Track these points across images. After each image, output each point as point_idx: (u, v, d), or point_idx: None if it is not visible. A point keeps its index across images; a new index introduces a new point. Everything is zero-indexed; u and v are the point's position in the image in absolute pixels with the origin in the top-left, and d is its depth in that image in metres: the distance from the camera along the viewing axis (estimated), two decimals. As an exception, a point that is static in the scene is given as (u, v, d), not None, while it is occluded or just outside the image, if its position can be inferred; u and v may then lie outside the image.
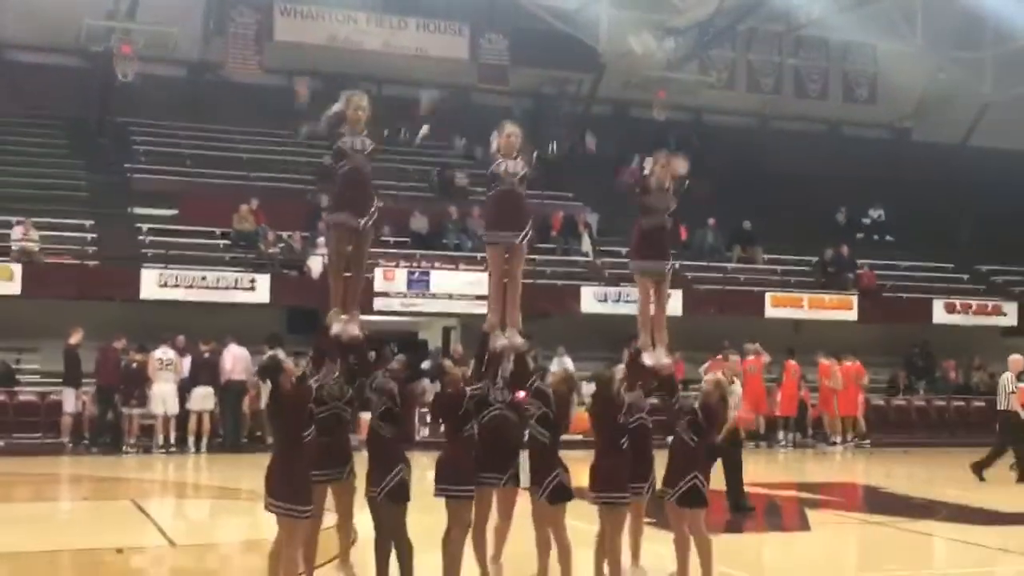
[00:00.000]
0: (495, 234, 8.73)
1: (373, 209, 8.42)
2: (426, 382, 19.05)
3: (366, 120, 8.45)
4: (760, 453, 21.86)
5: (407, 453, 8.05)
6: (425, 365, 22.45)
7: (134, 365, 19.44)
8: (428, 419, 19.59)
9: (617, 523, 8.34)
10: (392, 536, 7.92)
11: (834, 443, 22.83)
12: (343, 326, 8.22)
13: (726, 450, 12.84)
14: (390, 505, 7.86)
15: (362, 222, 8.35)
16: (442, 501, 8.09)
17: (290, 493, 7.38)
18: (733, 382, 13.19)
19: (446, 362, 8.72)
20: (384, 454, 7.93)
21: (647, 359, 8.77)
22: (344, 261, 8.56)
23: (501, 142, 8.83)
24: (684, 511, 8.51)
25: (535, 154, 8.76)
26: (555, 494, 8.10)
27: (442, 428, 8.47)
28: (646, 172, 9.36)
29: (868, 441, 23.13)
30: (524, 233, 8.63)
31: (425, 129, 14.06)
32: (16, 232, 21.36)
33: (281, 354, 8.12)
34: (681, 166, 9.16)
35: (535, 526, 8.27)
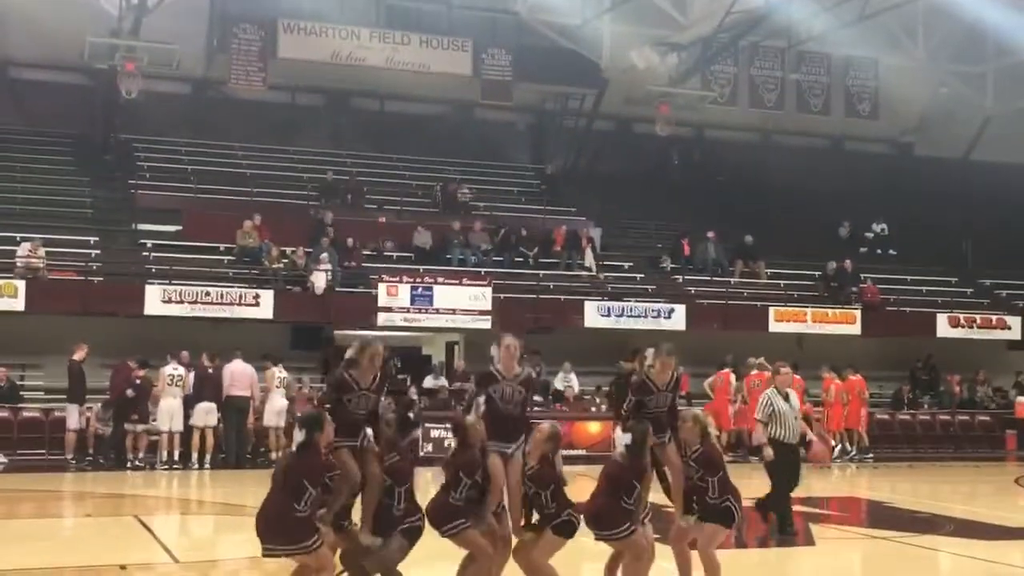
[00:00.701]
0: (490, 443, 8.37)
1: (366, 437, 8.17)
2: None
3: (379, 369, 8.27)
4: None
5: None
6: (429, 382, 22.47)
7: (138, 381, 19.45)
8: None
9: (631, 549, 8.32)
10: (386, 568, 7.98)
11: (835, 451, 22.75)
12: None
13: (780, 456, 12.44)
14: (402, 540, 7.96)
15: (359, 442, 8.13)
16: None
17: (294, 535, 7.36)
18: (788, 396, 12.83)
19: (468, 419, 8.54)
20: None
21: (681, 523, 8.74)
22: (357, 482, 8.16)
23: (501, 354, 8.58)
24: (707, 526, 8.57)
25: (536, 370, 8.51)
26: (562, 528, 8.13)
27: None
28: (647, 364, 9.22)
29: (871, 455, 23.08)
30: (518, 445, 8.39)
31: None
32: (22, 249, 21.41)
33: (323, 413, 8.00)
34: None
35: (526, 558, 8.24)
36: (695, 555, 8.67)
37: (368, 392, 8.19)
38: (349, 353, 8.42)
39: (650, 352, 9.44)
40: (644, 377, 9.02)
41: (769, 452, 12.53)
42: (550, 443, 8.34)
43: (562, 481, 8.26)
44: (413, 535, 8.06)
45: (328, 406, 8.12)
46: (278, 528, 7.39)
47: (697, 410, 9.44)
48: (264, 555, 7.59)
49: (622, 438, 8.43)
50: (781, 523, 12.54)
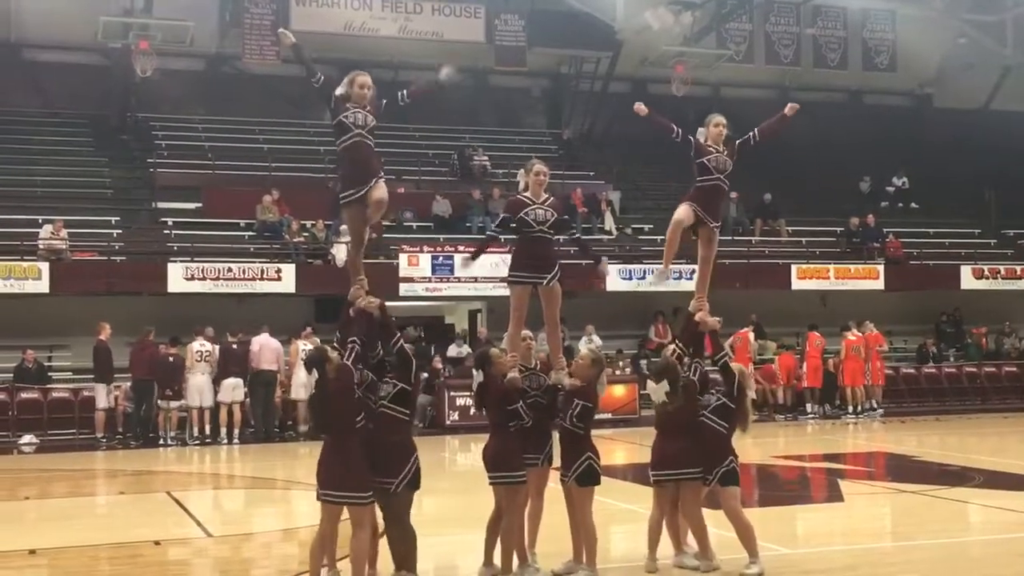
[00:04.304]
0: (518, 275, 8.35)
1: (381, 174, 8.19)
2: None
3: (370, 98, 8.32)
4: (789, 425, 21.86)
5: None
6: (452, 350, 22.51)
7: (170, 359, 19.57)
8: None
9: (689, 497, 8.42)
10: (399, 522, 7.96)
11: (848, 412, 22.72)
12: (367, 300, 8.09)
13: None
14: (408, 493, 7.92)
15: (366, 188, 8.09)
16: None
17: (351, 482, 7.51)
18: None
19: (493, 351, 8.56)
20: (403, 443, 7.93)
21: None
22: (361, 236, 8.38)
23: (530, 181, 8.54)
24: (721, 490, 8.57)
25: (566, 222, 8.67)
26: (584, 478, 8.14)
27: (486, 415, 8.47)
28: (701, 137, 9.18)
29: (880, 410, 22.94)
30: (552, 275, 8.33)
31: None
32: (45, 231, 21.52)
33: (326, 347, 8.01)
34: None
35: (568, 510, 8.31)
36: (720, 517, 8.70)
37: (365, 124, 8.25)
38: (338, 91, 8.56)
39: (701, 130, 9.45)
40: (703, 142, 8.99)
41: None
42: (595, 368, 8.35)
43: (595, 410, 8.35)
44: (413, 482, 7.90)
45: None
46: (332, 472, 7.57)
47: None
48: (318, 499, 7.71)
49: (657, 389, 8.39)
50: None
